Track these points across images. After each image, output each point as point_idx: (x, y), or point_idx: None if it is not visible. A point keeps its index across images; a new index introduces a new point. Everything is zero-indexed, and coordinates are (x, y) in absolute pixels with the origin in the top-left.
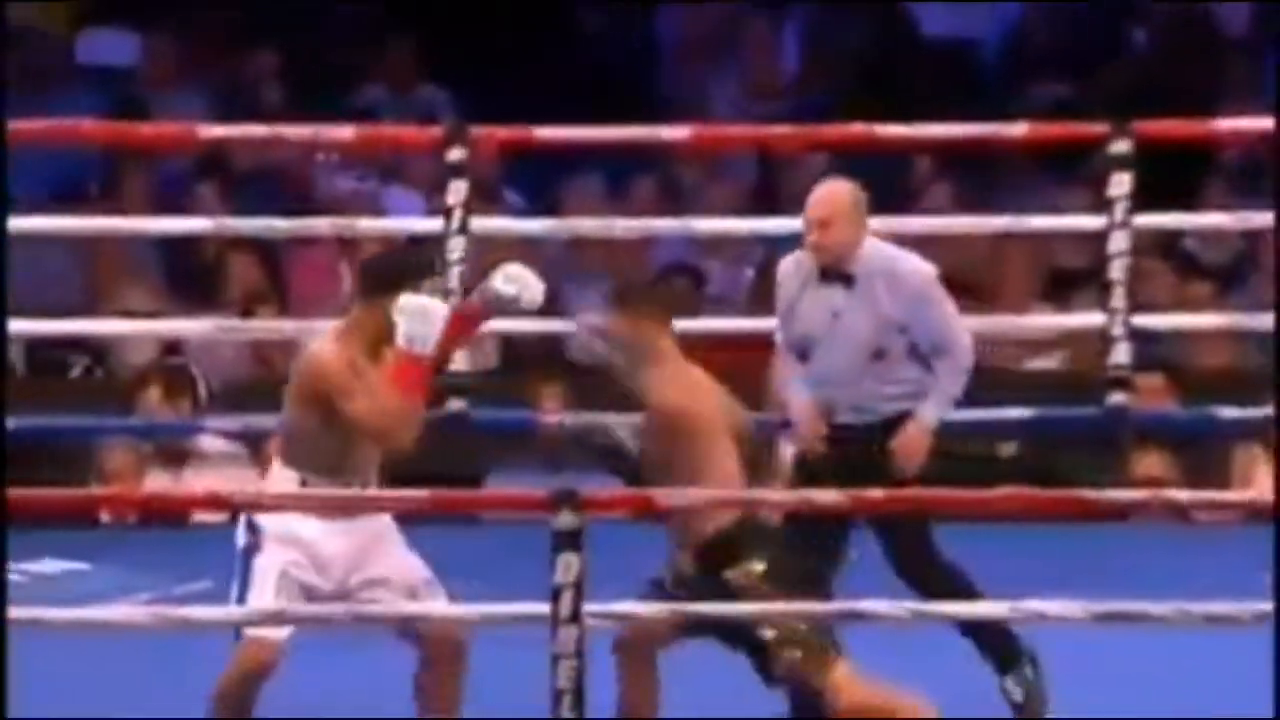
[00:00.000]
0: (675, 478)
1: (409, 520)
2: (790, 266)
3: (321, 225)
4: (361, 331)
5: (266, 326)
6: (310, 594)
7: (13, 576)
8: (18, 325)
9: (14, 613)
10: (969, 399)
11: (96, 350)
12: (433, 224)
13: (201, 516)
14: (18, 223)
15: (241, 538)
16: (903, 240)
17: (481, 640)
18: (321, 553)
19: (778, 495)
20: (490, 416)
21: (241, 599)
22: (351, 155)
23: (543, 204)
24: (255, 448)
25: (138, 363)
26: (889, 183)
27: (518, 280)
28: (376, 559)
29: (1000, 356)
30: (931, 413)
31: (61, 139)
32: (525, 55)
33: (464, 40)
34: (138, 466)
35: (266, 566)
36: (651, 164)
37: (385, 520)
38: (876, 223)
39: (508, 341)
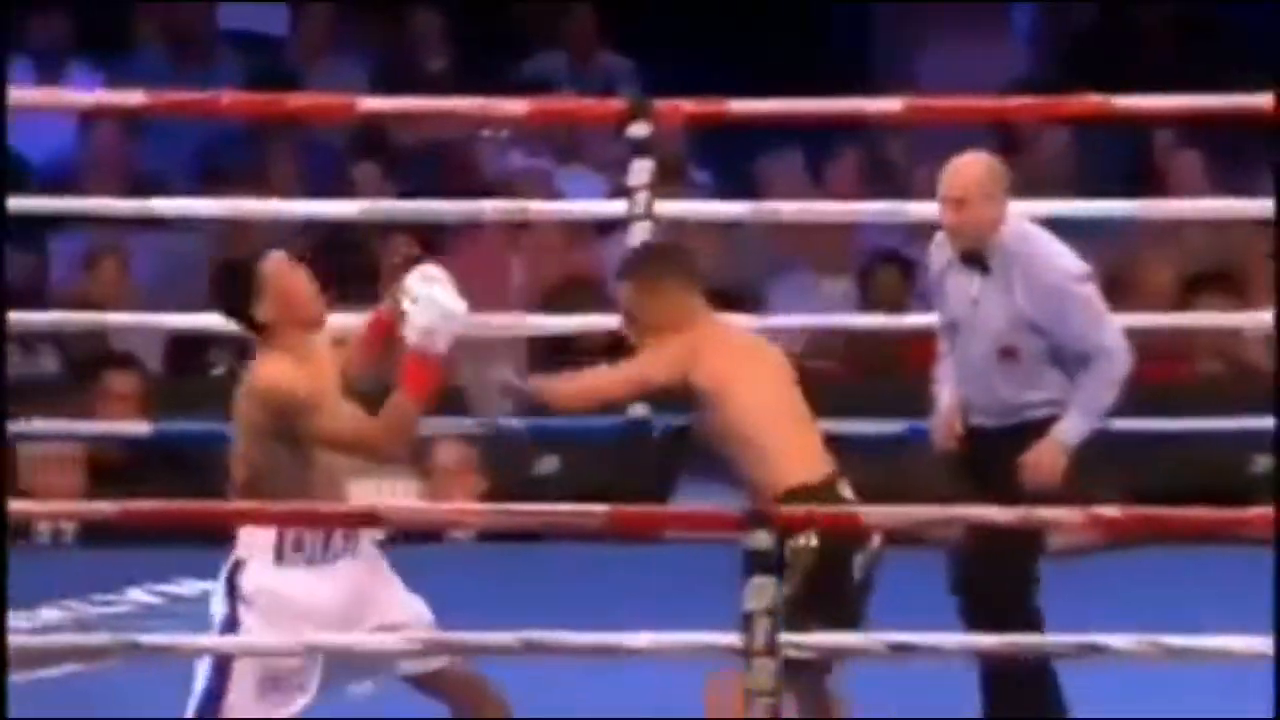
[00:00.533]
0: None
1: (584, 539)
2: (939, 242)
3: (489, 208)
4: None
5: None
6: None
7: (145, 598)
8: (153, 319)
9: (145, 639)
10: (1214, 405)
11: (242, 347)
12: (614, 207)
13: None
14: (154, 204)
15: (219, 604)
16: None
17: (668, 670)
18: (315, 609)
19: (996, 511)
20: (678, 423)
21: (216, 695)
22: (524, 130)
23: (735, 184)
24: (416, 455)
25: None
26: (1128, 158)
27: (433, 280)
28: (381, 598)
29: (1255, 356)
30: (1070, 428)
31: (202, 112)
32: (716, 20)
33: (649, 3)
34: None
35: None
36: (858, 139)
37: (370, 548)
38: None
39: None
